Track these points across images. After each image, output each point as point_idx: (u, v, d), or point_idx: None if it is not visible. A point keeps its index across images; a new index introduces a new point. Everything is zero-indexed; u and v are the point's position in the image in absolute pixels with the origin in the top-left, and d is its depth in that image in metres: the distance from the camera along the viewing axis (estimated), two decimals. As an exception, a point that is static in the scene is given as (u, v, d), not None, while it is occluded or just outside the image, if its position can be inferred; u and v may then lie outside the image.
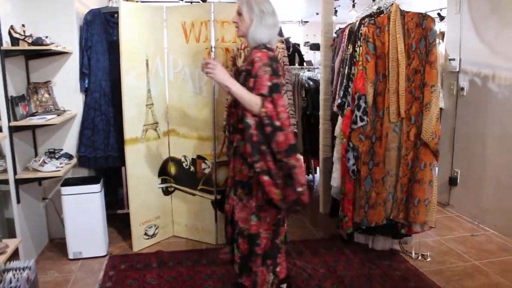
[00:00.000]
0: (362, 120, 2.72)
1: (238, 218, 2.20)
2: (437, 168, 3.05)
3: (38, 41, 2.68)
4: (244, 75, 2.10)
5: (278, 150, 1.98)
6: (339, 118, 2.95)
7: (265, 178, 2.01)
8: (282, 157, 1.99)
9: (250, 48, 2.21)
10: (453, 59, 3.87)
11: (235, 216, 2.23)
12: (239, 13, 2.15)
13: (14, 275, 2.02)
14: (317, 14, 5.38)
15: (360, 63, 2.73)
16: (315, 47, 6.86)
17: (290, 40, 5.33)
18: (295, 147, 2.06)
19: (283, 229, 2.24)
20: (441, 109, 3.96)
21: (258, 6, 2.12)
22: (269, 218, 2.16)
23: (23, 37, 2.66)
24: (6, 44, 2.60)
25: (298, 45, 6.05)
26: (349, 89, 2.82)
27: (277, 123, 1.98)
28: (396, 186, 2.82)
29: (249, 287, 2.23)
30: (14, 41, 2.63)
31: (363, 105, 2.71)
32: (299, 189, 2.01)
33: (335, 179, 2.98)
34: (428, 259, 2.96)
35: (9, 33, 2.61)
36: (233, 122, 2.22)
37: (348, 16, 7.02)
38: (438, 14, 5.95)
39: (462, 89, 3.79)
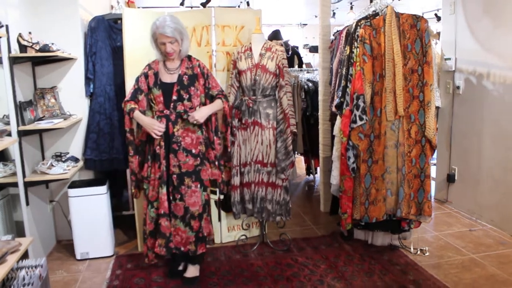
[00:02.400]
0: (361, 119, 2.79)
1: (189, 204, 2.56)
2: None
3: (45, 48, 2.76)
4: (188, 78, 2.53)
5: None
6: (338, 117, 3.02)
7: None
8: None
9: (177, 60, 2.56)
10: (449, 59, 3.95)
11: (181, 205, 2.55)
12: (172, 42, 2.45)
13: (27, 272, 2.10)
14: (316, 17, 5.43)
15: (358, 64, 2.80)
16: (314, 49, 6.94)
17: (289, 43, 5.42)
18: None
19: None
20: (438, 107, 4.05)
21: (179, 25, 2.44)
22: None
23: (31, 44, 2.74)
24: (15, 51, 2.69)
25: (297, 47, 6.14)
26: (348, 89, 2.89)
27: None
28: (397, 182, 2.89)
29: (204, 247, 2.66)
30: (22, 48, 2.72)
31: (361, 104, 2.78)
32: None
33: (335, 177, 3.05)
34: (427, 254, 3.03)
35: (18, 40, 2.70)
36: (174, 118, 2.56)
37: (346, 18, 7.10)
38: (435, 14, 6.05)
39: (458, 87, 3.86)
